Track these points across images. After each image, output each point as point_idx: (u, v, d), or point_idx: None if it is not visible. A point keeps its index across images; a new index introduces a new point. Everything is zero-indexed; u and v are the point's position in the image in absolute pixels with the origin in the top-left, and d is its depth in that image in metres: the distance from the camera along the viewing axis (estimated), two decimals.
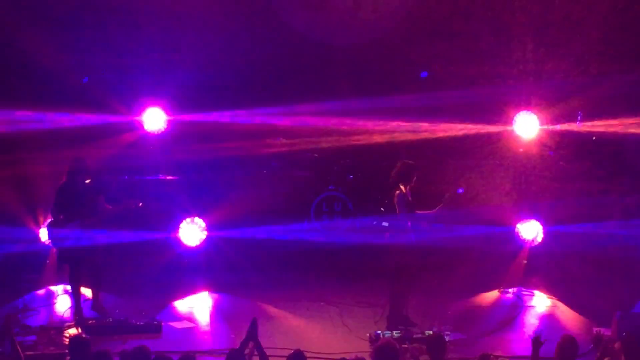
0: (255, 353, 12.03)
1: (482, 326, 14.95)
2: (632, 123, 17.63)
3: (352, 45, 18.80)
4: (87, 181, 14.81)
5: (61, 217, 14.70)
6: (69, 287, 15.50)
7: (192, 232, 17.60)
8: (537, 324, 15.29)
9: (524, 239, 17.61)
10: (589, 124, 17.89)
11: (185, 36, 18.38)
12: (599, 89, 17.64)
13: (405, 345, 13.46)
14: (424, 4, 18.44)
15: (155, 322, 14.52)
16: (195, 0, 18.30)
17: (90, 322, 14.47)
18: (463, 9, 18.26)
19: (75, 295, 15.04)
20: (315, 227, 18.49)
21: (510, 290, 16.77)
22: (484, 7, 18.14)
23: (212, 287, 16.83)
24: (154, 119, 18.07)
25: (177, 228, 17.56)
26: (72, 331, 14.11)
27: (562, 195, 17.73)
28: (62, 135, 17.62)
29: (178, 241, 17.58)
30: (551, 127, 18.04)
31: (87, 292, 15.35)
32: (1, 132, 17.35)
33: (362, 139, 19.13)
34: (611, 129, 17.75)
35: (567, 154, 18.18)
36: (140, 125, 18.09)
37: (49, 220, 15.32)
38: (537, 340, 11.38)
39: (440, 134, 18.31)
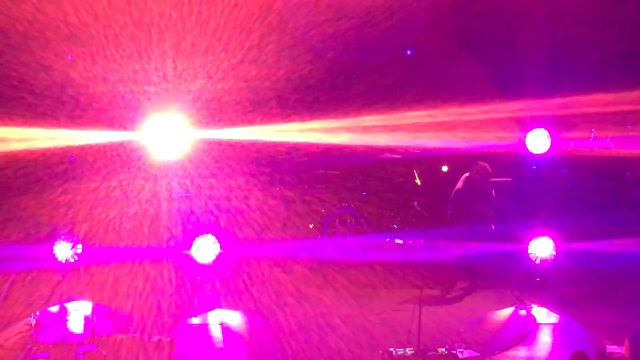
0: None
1: (495, 343, 14.92)
2: None
3: (366, 63, 18.87)
4: None
5: None
6: (82, 304, 15.57)
7: (205, 249, 17.60)
8: (550, 342, 15.26)
9: (537, 256, 17.58)
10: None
11: (200, 53, 18.46)
12: (612, 106, 17.70)
13: None
14: (435, 21, 18.55)
15: (168, 339, 14.52)
16: (209, 17, 18.38)
17: (103, 338, 14.49)
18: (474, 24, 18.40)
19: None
20: (328, 244, 18.47)
21: (523, 307, 16.72)
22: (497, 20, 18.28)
23: (226, 305, 16.83)
24: (169, 137, 18.11)
25: (190, 245, 17.57)
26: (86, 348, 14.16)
27: (574, 213, 17.71)
28: (78, 153, 17.75)
29: (191, 258, 17.59)
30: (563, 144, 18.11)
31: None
32: (18, 149, 17.46)
33: (375, 156, 19.18)
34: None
35: (579, 171, 18.20)
36: (158, 141, 18.15)
37: None
38: None
39: (453, 151, 18.36)
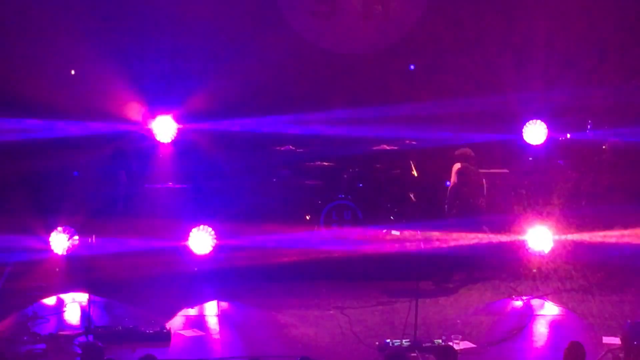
0: None
1: (491, 335, 14.92)
2: None
3: (362, 54, 18.87)
4: None
5: None
6: (78, 295, 15.57)
7: (201, 240, 17.58)
8: (546, 333, 15.28)
9: (534, 248, 17.57)
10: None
11: (194, 44, 18.46)
12: (610, 98, 17.73)
13: (415, 354, 13.46)
14: (432, 13, 18.57)
15: (165, 331, 14.52)
16: (204, 8, 18.38)
17: (99, 329, 14.47)
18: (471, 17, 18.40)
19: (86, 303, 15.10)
20: (325, 235, 18.44)
21: (520, 299, 16.71)
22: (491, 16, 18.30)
23: (222, 296, 16.82)
24: (165, 128, 18.15)
25: (187, 236, 17.55)
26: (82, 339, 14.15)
27: (571, 204, 17.71)
28: (72, 143, 17.74)
29: (188, 249, 17.58)
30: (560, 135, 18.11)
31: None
32: (12, 140, 17.45)
33: (372, 147, 19.17)
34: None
35: (576, 163, 18.20)
36: (150, 133, 18.18)
37: None
38: None
39: (450, 143, 18.34)
